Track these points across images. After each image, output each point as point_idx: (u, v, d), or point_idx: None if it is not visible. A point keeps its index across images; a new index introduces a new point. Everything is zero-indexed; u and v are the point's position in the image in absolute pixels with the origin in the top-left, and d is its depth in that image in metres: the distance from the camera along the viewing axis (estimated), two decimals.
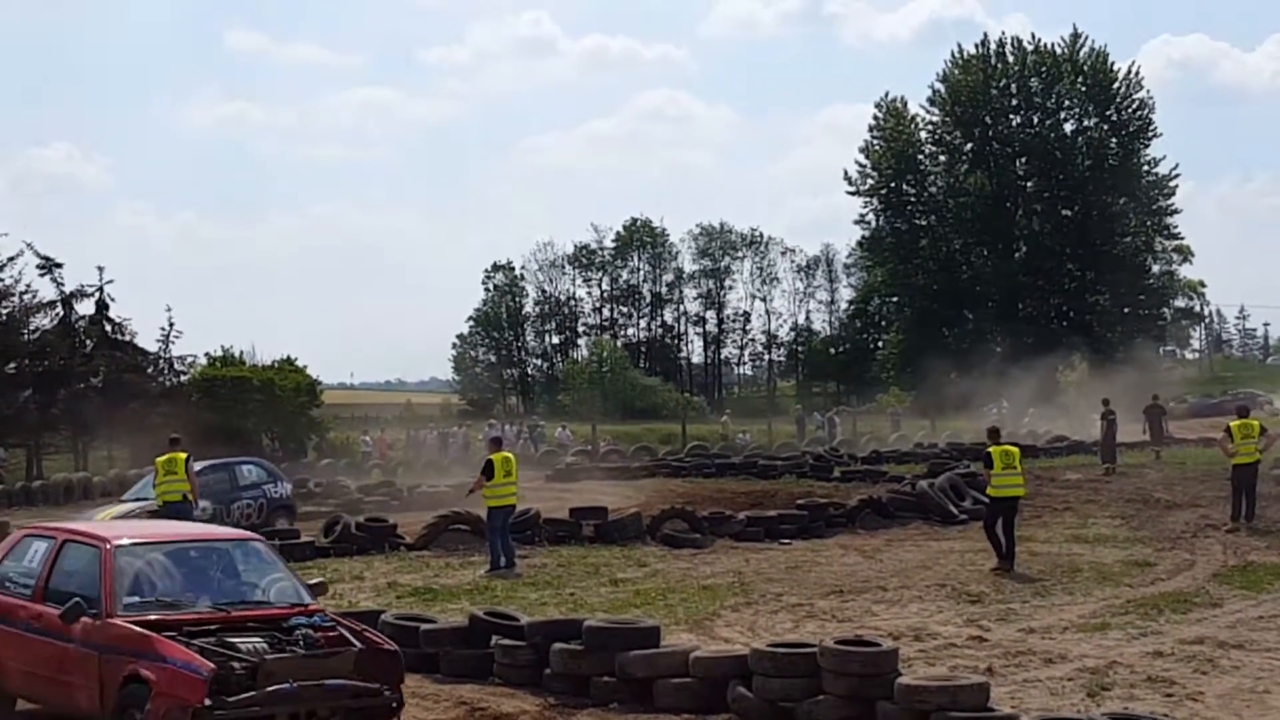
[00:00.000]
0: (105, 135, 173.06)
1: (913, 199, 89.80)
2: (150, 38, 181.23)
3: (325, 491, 35.00)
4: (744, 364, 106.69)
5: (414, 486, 34.10)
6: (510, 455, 21.95)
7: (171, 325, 50.24)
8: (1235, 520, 24.06)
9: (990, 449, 21.18)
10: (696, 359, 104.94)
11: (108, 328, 49.84)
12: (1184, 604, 16.76)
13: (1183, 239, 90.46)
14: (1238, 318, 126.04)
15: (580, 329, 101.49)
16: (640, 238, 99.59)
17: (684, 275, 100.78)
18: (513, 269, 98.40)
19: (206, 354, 53.53)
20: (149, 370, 50.65)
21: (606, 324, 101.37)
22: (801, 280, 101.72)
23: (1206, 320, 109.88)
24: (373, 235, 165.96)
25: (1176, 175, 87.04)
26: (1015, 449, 21.36)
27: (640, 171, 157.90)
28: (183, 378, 50.96)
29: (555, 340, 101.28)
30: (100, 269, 49.93)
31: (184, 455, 22.31)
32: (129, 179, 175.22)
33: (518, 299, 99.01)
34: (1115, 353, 69.79)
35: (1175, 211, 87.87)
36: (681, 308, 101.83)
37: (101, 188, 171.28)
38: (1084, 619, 15.91)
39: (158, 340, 50.56)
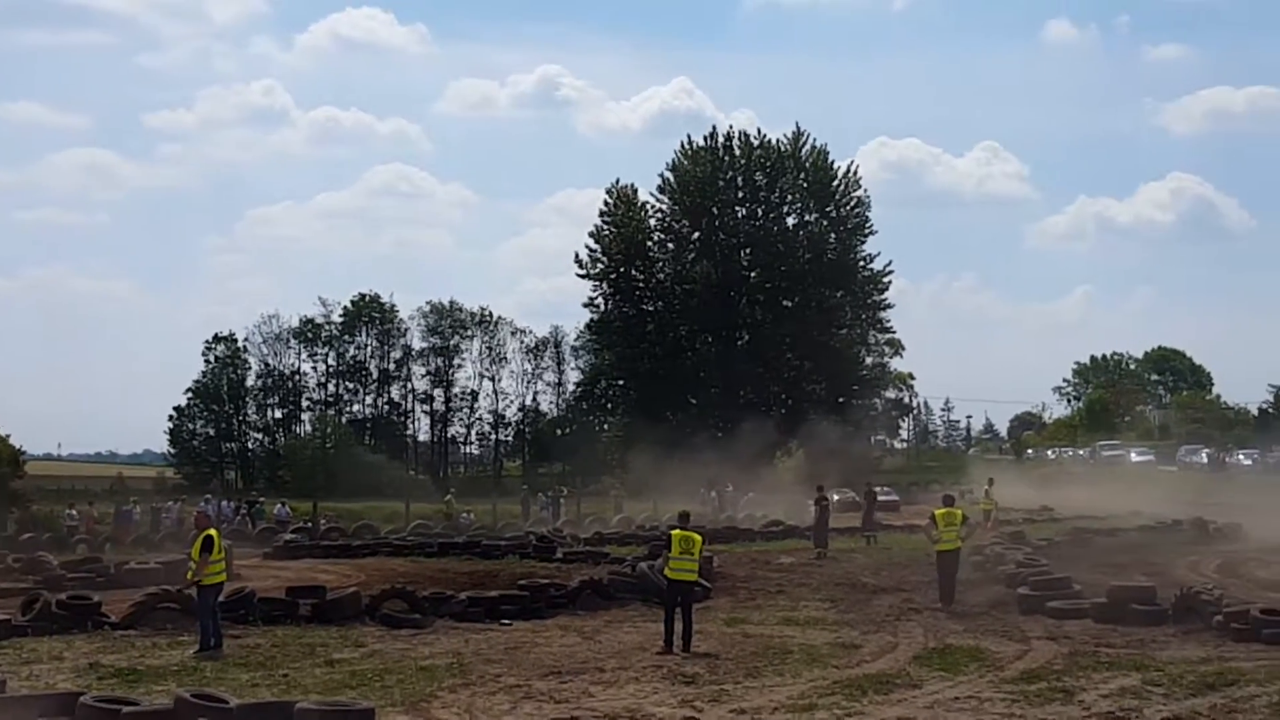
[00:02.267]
0: None
1: (641, 284, 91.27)
2: None
3: (25, 567, 33.31)
4: (471, 443, 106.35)
5: (122, 563, 32.79)
6: (214, 531, 21.33)
7: None
8: (944, 602, 25.21)
9: (671, 532, 21.72)
10: (423, 437, 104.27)
11: None
12: (886, 685, 17.36)
13: (894, 333, 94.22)
14: (943, 410, 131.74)
15: (304, 404, 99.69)
16: (369, 313, 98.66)
17: (412, 352, 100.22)
18: (235, 340, 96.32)
19: None
20: None
21: (331, 399, 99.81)
22: (530, 361, 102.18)
23: (914, 411, 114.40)
24: (89, 302, 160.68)
25: (890, 272, 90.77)
26: (697, 536, 21.80)
27: (370, 246, 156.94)
28: None
29: (278, 414, 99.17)
30: None
31: None
32: None
33: (239, 371, 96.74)
34: (830, 441, 72.01)
35: (888, 306, 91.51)
36: (409, 385, 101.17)
37: None
38: (793, 700, 16.34)
39: None
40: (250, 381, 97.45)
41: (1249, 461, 77.78)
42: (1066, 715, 15.31)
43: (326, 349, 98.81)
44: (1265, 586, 28.46)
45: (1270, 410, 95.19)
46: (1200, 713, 15.26)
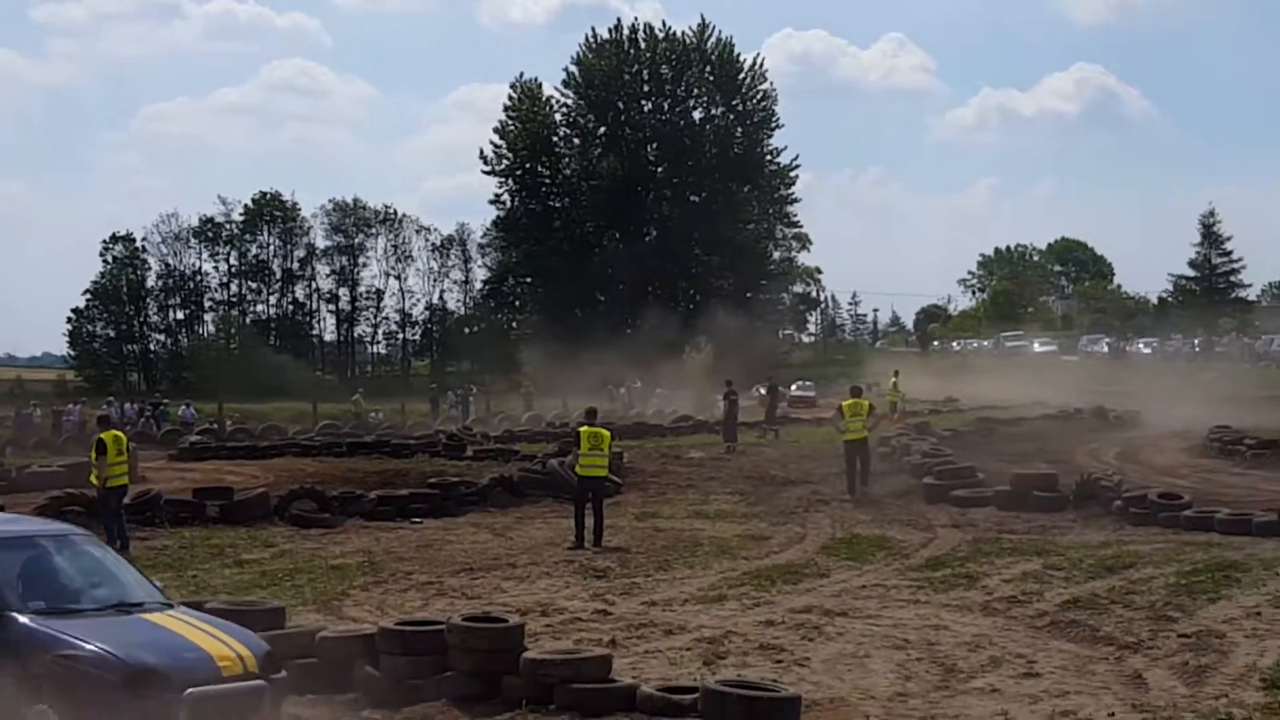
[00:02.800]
0: None
1: (547, 181, 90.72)
2: None
3: None
4: (378, 343, 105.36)
5: (24, 466, 32.32)
6: (120, 434, 21.08)
7: None
8: (851, 492, 25.58)
9: (580, 429, 21.77)
10: (329, 337, 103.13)
11: None
12: (795, 575, 17.61)
13: (801, 227, 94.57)
14: (850, 303, 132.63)
15: (206, 304, 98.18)
16: (270, 212, 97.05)
17: (316, 251, 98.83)
18: (133, 241, 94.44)
19: None
20: None
21: (234, 300, 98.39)
22: (436, 259, 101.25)
23: (821, 305, 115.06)
24: None
25: (797, 166, 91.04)
26: (605, 432, 21.85)
27: (270, 144, 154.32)
28: None
29: (180, 316, 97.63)
30: None
31: None
32: None
33: (139, 272, 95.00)
34: (737, 336, 72.27)
35: (795, 200, 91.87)
36: (313, 284, 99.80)
37: None
38: (703, 591, 16.51)
39: None
40: (150, 282, 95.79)
41: (1148, 350, 79.36)
42: (970, 600, 15.61)
43: (228, 248, 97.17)
44: (1162, 471, 29.16)
45: (1169, 299, 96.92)
46: (1099, 595, 15.61)
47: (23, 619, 9.82)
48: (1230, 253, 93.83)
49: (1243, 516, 20.34)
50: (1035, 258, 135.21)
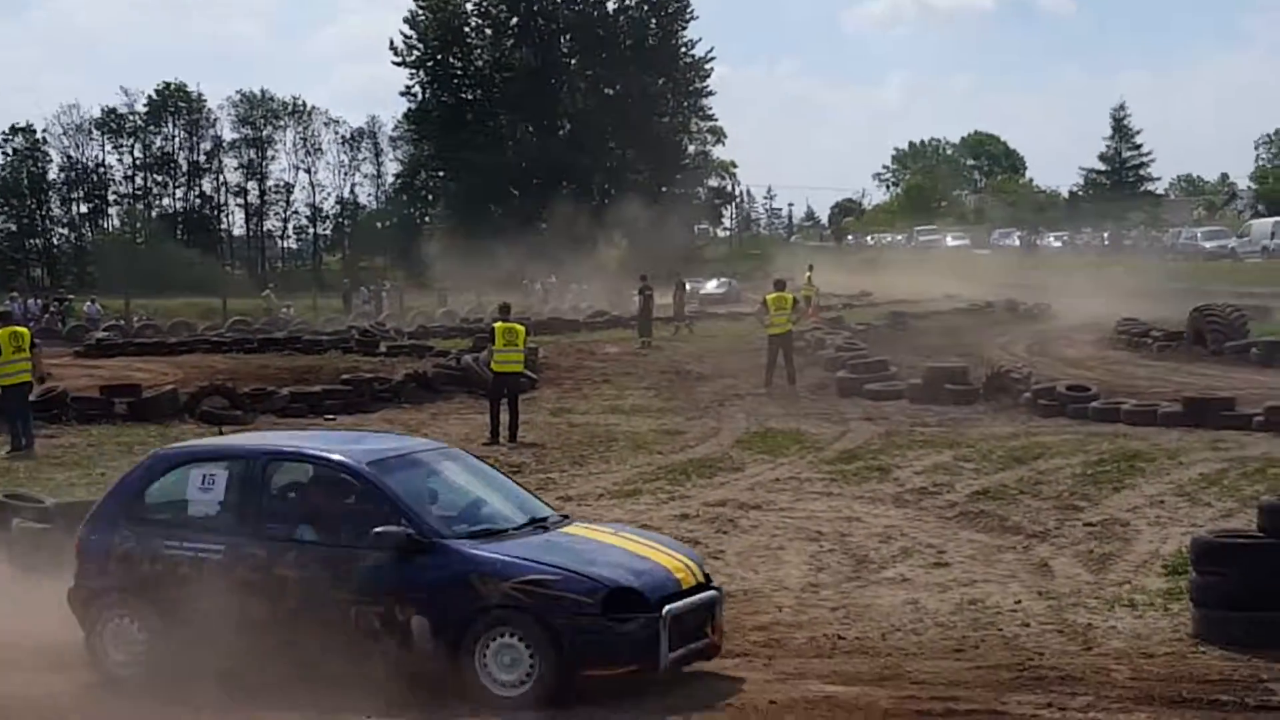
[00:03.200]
0: None
1: (459, 72, 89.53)
2: None
3: None
4: (288, 237, 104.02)
5: None
6: (22, 329, 20.69)
7: None
8: (768, 385, 25.73)
9: (495, 325, 21.72)
10: (238, 231, 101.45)
11: None
12: (710, 469, 17.72)
13: (716, 120, 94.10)
14: (765, 198, 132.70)
15: (111, 198, 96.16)
16: (175, 103, 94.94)
17: (223, 144, 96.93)
18: (34, 132, 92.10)
19: None
20: None
21: (140, 193, 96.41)
22: (347, 152, 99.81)
23: (737, 199, 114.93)
24: None
25: (712, 58, 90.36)
26: (520, 327, 21.87)
27: (174, 33, 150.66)
28: None
29: (83, 209, 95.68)
30: None
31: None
32: None
33: (40, 164, 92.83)
34: (653, 230, 72.14)
35: (710, 94, 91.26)
36: (221, 178, 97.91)
37: None
38: (618, 486, 16.59)
39: None
40: (52, 175, 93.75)
41: (1059, 244, 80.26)
42: (882, 492, 15.80)
43: (132, 140, 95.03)
44: (1071, 364, 29.59)
45: (1080, 193, 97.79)
46: (1008, 485, 15.85)
47: (460, 545, 9.09)
48: (1140, 146, 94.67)
49: (1148, 407, 20.65)
50: (948, 152, 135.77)
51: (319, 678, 8.85)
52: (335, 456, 9.66)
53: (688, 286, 41.14)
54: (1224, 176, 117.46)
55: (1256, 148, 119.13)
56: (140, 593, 9.51)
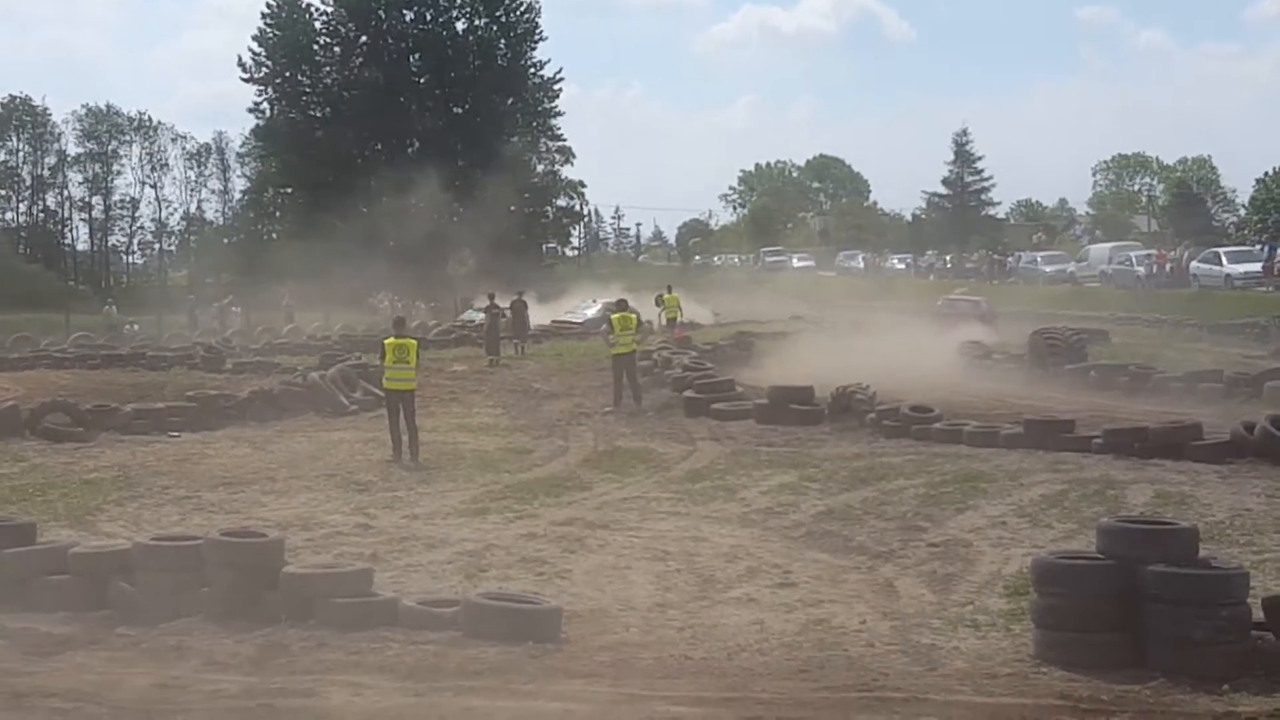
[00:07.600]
0: None
1: (308, 90, 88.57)
2: None
3: None
4: (134, 252, 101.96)
5: None
6: None
7: None
8: (617, 405, 25.83)
9: (385, 341, 21.60)
10: (82, 246, 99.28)
11: None
12: (557, 488, 17.74)
13: (565, 141, 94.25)
14: (614, 217, 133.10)
15: None
16: (19, 117, 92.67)
17: (68, 158, 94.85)
18: None
19: None
20: None
21: None
22: (193, 168, 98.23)
23: (585, 219, 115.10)
24: None
25: (560, 79, 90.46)
26: (413, 342, 21.83)
27: (19, 47, 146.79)
28: None
29: None
30: None
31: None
32: None
33: None
34: (501, 249, 71.85)
35: (559, 114, 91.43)
36: (65, 192, 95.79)
37: None
38: (465, 504, 16.53)
39: None
40: None
41: (902, 266, 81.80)
42: (728, 512, 15.93)
43: None
44: (915, 385, 30.05)
45: (923, 217, 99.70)
46: (853, 505, 16.09)
47: None
48: (981, 171, 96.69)
49: (990, 429, 21.03)
50: (794, 174, 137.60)
51: None
52: None
53: (523, 304, 40.94)
54: (1063, 202, 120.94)
55: (1094, 174, 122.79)
56: None
